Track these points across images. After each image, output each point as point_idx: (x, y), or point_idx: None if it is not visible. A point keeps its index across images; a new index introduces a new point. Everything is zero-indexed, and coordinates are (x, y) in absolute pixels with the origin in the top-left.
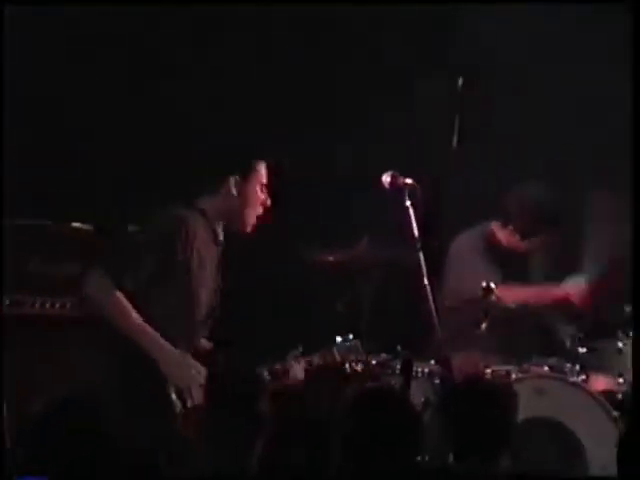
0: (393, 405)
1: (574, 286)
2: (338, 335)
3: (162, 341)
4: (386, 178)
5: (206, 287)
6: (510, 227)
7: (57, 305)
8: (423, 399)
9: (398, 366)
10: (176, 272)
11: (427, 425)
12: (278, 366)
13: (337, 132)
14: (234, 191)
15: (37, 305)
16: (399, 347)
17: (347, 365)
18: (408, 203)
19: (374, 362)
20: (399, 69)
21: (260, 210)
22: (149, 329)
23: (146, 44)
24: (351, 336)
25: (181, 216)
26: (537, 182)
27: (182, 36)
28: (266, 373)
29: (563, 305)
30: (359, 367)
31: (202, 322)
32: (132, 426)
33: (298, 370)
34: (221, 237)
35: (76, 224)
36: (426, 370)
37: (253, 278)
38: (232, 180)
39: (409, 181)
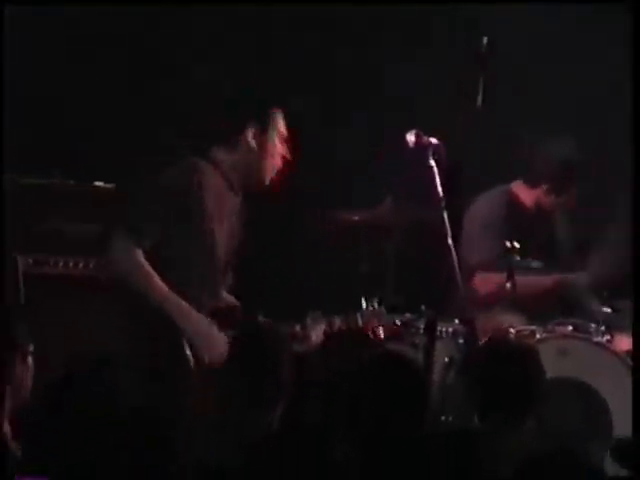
0: (399, 370)
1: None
2: (364, 298)
3: (188, 309)
4: (410, 137)
5: (224, 237)
6: (543, 186)
7: (80, 265)
8: (447, 359)
9: (422, 326)
10: (192, 222)
11: (451, 386)
12: (298, 329)
13: (356, 92)
14: (253, 143)
15: (60, 265)
16: (423, 307)
17: (370, 332)
18: (432, 162)
19: (398, 322)
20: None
21: (279, 162)
22: (174, 297)
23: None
24: (376, 302)
25: (195, 165)
26: (564, 138)
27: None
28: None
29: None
30: (382, 333)
31: (222, 273)
32: (149, 387)
33: (317, 332)
34: (238, 188)
35: (99, 183)
36: (450, 330)
37: (275, 234)
38: (250, 132)
39: (433, 140)
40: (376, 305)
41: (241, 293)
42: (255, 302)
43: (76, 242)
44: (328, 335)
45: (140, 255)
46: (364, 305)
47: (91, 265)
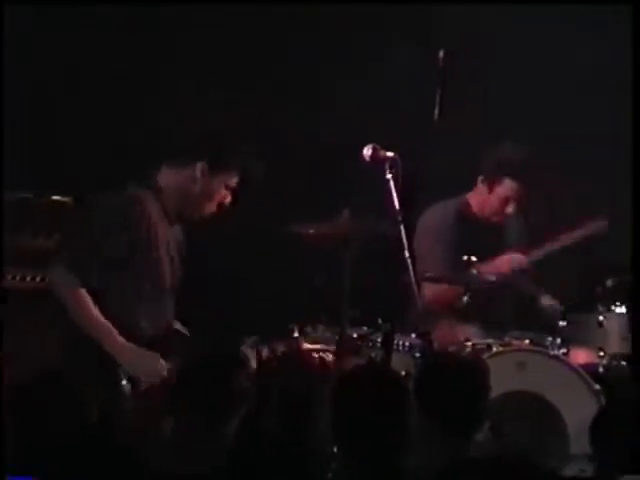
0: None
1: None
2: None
3: (118, 337)
4: (367, 151)
5: (166, 268)
6: (480, 179)
7: (38, 278)
8: (404, 372)
9: (379, 339)
10: (135, 254)
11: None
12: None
13: (318, 105)
14: (199, 177)
15: (17, 278)
16: (380, 320)
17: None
18: (389, 176)
19: (355, 335)
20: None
21: (215, 207)
22: (106, 325)
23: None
24: (321, 326)
25: (136, 196)
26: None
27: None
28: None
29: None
30: (328, 357)
31: (167, 303)
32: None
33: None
34: (174, 217)
35: (56, 197)
36: (407, 343)
37: (225, 251)
38: (199, 165)
39: (390, 154)
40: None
41: (192, 318)
42: (204, 326)
43: (30, 256)
44: (260, 363)
45: (74, 282)
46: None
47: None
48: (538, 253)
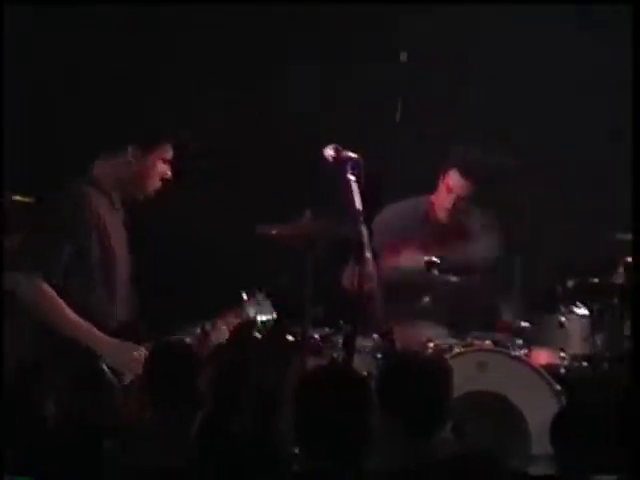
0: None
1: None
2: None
3: (97, 333)
4: (329, 151)
5: (120, 256)
6: (441, 177)
7: None
8: (366, 373)
9: (341, 340)
10: (91, 250)
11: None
12: (198, 331)
13: (283, 104)
14: (132, 160)
15: None
16: (342, 321)
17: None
18: (351, 176)
19: (317, 336)
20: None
21: (158, 182)
22: (82, 323)
23: None
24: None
25: (78, 189)
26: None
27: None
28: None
29: None
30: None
31: (124, 293)
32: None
33: (221, 332)
34: (118, 204)
35: (17, 196)
36: (369, 344)
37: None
38: (130, 149)
39: (352, 154)
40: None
41: (148, 308)
42: (162, 316)
43: None
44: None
45: (44, 287)
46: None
47: None
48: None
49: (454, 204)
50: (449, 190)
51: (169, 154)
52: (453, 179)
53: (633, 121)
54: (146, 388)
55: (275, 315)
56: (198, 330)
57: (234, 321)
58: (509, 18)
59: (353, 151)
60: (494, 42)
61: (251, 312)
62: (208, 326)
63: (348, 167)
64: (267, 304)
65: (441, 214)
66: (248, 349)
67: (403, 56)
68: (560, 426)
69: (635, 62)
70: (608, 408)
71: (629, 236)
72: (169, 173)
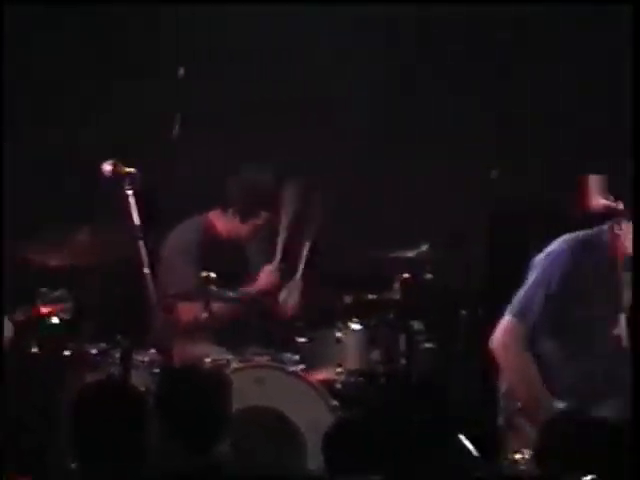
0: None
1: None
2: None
3: None
4: (107, 166)
5: None
6: (230, 210)
7: None
8: (144, 388)
9: (118, 355)
10: None
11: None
12: None
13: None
14: None
15: None
16: (119, 336)
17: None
18: (129, 191)
19: (94, 351)
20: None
21: None
22: None
23: None
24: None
25: None
26: (257, 165)
27: None
28: None
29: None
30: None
31: None
32: None
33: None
34: None
35: None
36: (146, 359)
37: None
38: None
39: (130, 169)
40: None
41: None
42: None
43: None
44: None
45: None
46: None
47: None
48: None
49: (257, 234)
50: (256, 228)
51: None
52: (261, 219)
53: (633, 121)
54: None
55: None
56: None
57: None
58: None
59: (130, 166)
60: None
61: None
62: None
63: (126, 182)
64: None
65: (220, 230)
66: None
67: (181, 71)
68: (333, 440)
69: (635, 62)
70: (381, 422)
71: (407, 253)
72: None
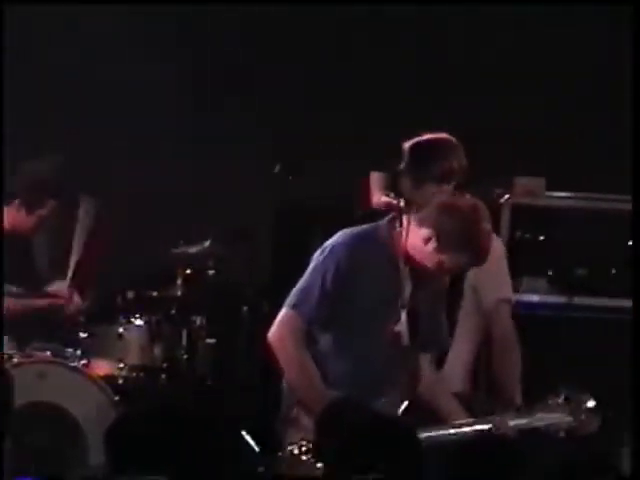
0: None
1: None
2: None
3: None
4: None
5: None
6: (16, 202)
7: None
8: None
9: None
10: None
11: None
12: None
13: None
14: None
15: None
16: None
17: None
18: None
19: None
20: None
21: None
22: None
23: None
24: None
25: None
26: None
27: None
28: None
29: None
30: None
31: None
32: None
33: None
34: None
35: None
36: None
37: None
38: None
39: None
40: None
41: None
42: None
43: None
44: None
45: None
46: None
47: None
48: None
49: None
50: (42, 218)
51: None
52: (47, 208)
53: (633, 121)
54: None
55: None
56: None
57: None
58: None
59: None
60: None
61: None
62: None
63: None
64: None
65: (7, 224)
66: None
67: None
68: (114, 436)
69: (635, 62)
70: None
71: (190, 249)
72: None
